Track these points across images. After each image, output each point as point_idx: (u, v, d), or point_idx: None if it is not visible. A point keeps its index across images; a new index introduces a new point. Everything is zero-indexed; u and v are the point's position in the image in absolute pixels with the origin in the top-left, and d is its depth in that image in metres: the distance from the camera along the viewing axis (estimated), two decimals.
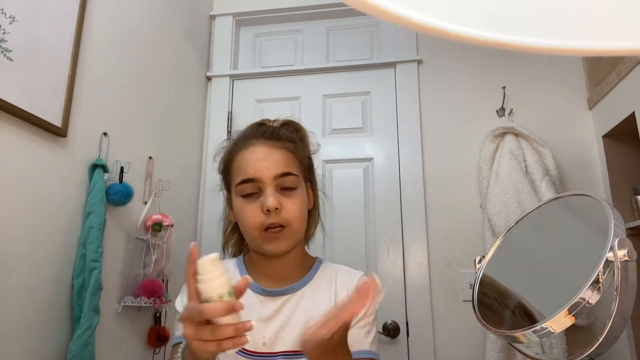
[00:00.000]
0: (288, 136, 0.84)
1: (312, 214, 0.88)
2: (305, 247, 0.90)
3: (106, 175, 1.21)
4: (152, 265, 1.37)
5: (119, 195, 1.23)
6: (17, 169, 0.98)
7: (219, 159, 0.88)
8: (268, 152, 0.79)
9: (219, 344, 0.55)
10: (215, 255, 0.57)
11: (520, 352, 0.78)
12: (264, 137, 0.81)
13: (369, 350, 0.76)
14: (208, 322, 0.55)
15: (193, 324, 0.55)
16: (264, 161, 0.78)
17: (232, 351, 0.71)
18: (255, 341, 0.75)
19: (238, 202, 0.79)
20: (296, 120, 0.91)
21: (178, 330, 0.78)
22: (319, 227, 0.91)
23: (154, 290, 1.32)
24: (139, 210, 1.39)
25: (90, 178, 1.18)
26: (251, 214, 0.76)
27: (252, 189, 0.77)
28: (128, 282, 1.31)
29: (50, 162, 1.08)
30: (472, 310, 0.82)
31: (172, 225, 1.43)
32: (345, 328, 0.61)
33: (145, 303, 1.30)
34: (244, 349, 0.74)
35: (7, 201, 0.95)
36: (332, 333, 0.57)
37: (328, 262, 0.88)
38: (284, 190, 0.78)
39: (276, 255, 0.78)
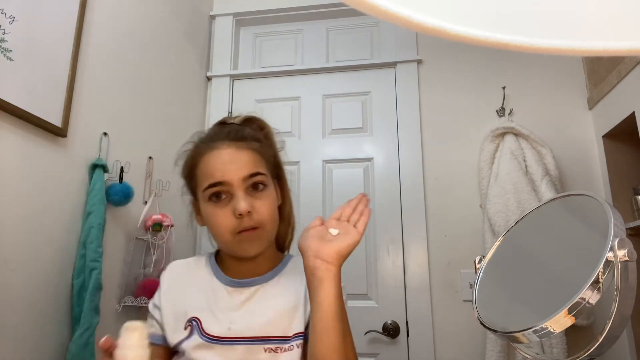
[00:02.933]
0: (253, 135, 0.83)
1: (282, 211, 0.87)
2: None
3: (106, 175, 1.21)
4: (152, 265, 1.37)
5: (119, 195, 1.23)
6: (17, 169, 0.98)
7: (181, 163, 0.86)
8: (234, 153, 0.77)
9: None
10: (140, 324, 0.58)
11: (520, 352, 0.78)
12: (228, 138, 0.79)
13: None
14: None
15: None
16: (230, 164, 0.76)
17: (197, 337, 0.73)
18: (221, 327, 0.75)
19: (207, 207, 0.78)
20: (259, 117, 0.89)
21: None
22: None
23: (154, 290, 1.31)
24: (139, 210, 1.39)
25: (90, 178, 1.18)
26: (223, 219, 0.75)
27: (221, 193, 0.76)
28: (128, 282, 1.31)
29: (50, 162, 1.08)
30: (472, 310, 0.83)
31: (172, 225, 1.43)
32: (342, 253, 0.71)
33: (145, 303, 1.30)
34: (208, 333, 0.75)
35: (7, 201, 0.95)
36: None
37: (298, 257, 0.86)
38: (254, 191, 0.77)
39: (249, 258, 0.78)
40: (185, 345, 0.75)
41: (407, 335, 1.64)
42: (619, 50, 0.27)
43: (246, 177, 0.76)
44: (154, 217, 1.39)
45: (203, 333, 0.75)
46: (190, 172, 0.82)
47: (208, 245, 1.86)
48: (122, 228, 1.33)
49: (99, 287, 1.10)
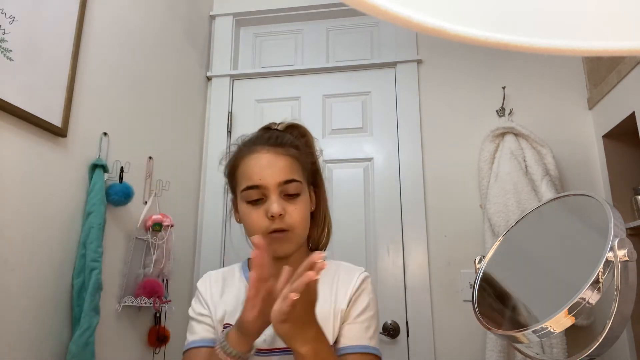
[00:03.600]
0: (292, 142, 0.85)
1: (316, 216, 0.90)
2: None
3: (106, 175, 1.21)
4: (152, 265, 1.37)
5: (119, 195, 1.23)
6: (17, 169, 0.98)
7: (224, 162, 0.90)
8: (272, 159, 0.81)
9: None
10: None
11: (520, 352, 0.78)
12: (268, 143, 0.83)
13: (367, 345, 0.77)
14: None
15: None
16: (268, 168, 0.79)
17: None
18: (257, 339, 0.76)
19: (243, 207, 0.81)
20: (301, 124, 0.92)
21: (192, 335, 0.81)
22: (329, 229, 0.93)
23: (153, 290, 1.32)
24: (139, 210, 1.39)
25: (90, 178, 1.18)
26: (256, 219, 0.79)
27: (257, 195, 0.79)
28: (128, 282, 1.31)
29: (50, 162, 1.08)
30: (472, 310, 0.83)
31: (172, 225, 1.43)
32: (309, 303, 0.64)
33: (145, 303, 1.30)
34: None
35: (7, 201, 0.95)
36: (293, 306, 0.60)
37: (331, 260, 0.88)
38: (288, 196, 0.80)
39: (279, 258, 0.80)
40: None
41: (407, 335, 1.64)
42: (619, 50, 0.27)
43: (281, 182, 0.79)
44: (154, 217, 1.39)
45: None
46: (232, 172, 0.86)
47: (208, 246, 1.86)
48: (122, 228, 1.33)
49: (99, 287, 1.10)
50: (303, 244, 0.86)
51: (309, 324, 0.66)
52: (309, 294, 0.63)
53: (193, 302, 0.86)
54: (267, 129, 0.90)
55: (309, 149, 0.90)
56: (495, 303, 0.82)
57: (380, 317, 1.67)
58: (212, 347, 0.71)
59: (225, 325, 0.79)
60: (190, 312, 0.85)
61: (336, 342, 0.78)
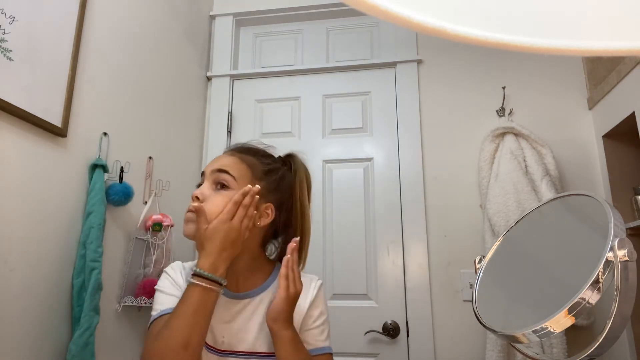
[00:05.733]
0: (253, 152, 0.90)
1: (279, 232, 0.93)
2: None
3: (106, 175, 1.21)
4: (152, 265, 1.37)
5: (119, 195, 1.23)
6: (17, 169, 0.98)
7: None
8: (223, 156, 0.88)
9: None
10: None
11: (520, 352, 0.78)
12: (233, 148, 0.91)
13: (323, 347, 0.86)
14: None
15: None
16: (215, 161, 0.87)
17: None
18: (216, 339, 0.82)
19: None
20: (302, 162, 0.95)
21: (161, 305, 0.83)
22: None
23: (153, 291, 1.32)
24: (139, 210, 1.39)
25: (90, 178, 1.18)
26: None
27: (201, 180, 0.86)
28: (128, 282, 1.31)
29: (50, 162, 1.08)
30: (472, 310, 0.83)
31: (172, 225, 1.43)
32: (291, 301, 0.78)
33: (145, 303, 1.30)
34: (205, 342, 0.80)
35: (7, 201, 0.95)
36: (283, 301, 0.77)
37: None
38: (220, 187, 0.83)
39: (187, 238, 0.82)
40: None
41: (407, 335, 1.64)
42: (619, 50, 0.27)
43: (214, 170, 0.84)
44: (154, 217, 1.39)
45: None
46: None
47: None
48: (122, 228, 1.33)
49: (99, 287, 1.10)
50: (258, 253, 0.89)
51: (291, 315, 0.79)
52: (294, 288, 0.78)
53: (161, 280, 0.88)
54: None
55: (275, 172, 0.90)
56: (495, 303, 0.82)
57: (380, 317, 1.67)
58: None
59: None
60: (159, 286, 0.86)
61: None
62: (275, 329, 0.77)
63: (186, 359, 0.69)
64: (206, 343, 0.80)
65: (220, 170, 0.83)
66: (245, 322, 0.83)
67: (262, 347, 0.82)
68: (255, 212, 0.80)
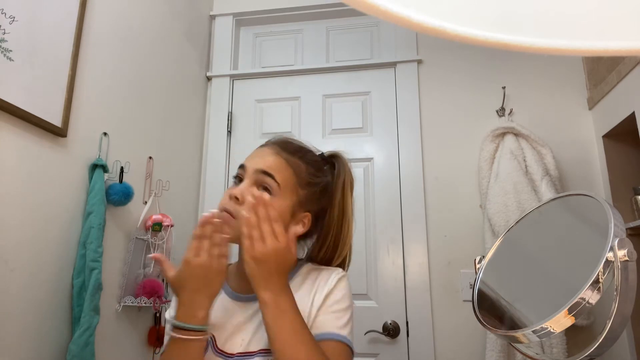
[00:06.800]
0: (300, 154, 0.83)
1: (321, 241, 0.86)
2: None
3: (106, 175, 1.21)
4: (152, 265, 1.37)
5: (119, 195, 1.23)
6: (17, 169, 0.98)
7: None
8: (267, 152, 0.81)
9: None
10: None
11: (520, 352, 0.78)
12: (276, 143, 0.84)
13: (337, 333, 0.75)
14: None
15: None
16: (257, 157, 0.80)
17: (210, 354, 0.74)
18: (234, 344, 0.76)
19: None
20: (345, 162, 0.89)
21: (166, 337, 0.79)
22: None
23: (154, 290, 1.32)
24: (139, 210, 1.39)
25: (90, 178, 1.18)
26: (224, 194, 0.78)
27: (239, 174, 0.79)
28: (128, 282, 1.31)
29: (50, 162, 1.08)
30: (472, 310, 0.83)
31: (172, 225, 1.43)
32: (282, 256, 0.69)
33: (145, 303, 1.30)
34: (223, 351, 0.75)
35: (7, 201, 0.95)
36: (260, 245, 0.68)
37: (311, 264, 0.86)
38: (262, 189, 0.77)
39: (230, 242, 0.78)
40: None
41: (407, 335, 1.64)
42: (619, 50, 0.27)
43: (258, 170, 0.77)
44: (154, 217, 1.39)
45: (217, 350, 0.76)
46: None
47: None
48: (122, 228, 1.33)
49: (99, 287, 1.10)
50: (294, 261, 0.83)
51: (277, 274, 0.70)
52: (282, 244, 0.69)
53: (171, 308, 0.82)
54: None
55: (319, 175, 0.84)
56: (495, 303, 0.82)
57: (380, 317, 1.67)
58: None
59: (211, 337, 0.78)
60: (167, 315, 0.82)
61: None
62: (258, 295, 0.70)
63: None
64: (221, 351, 0.76)
65: (265, 173, 0.77)
66: (260, 323, 0.78)
67: None
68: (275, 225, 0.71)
